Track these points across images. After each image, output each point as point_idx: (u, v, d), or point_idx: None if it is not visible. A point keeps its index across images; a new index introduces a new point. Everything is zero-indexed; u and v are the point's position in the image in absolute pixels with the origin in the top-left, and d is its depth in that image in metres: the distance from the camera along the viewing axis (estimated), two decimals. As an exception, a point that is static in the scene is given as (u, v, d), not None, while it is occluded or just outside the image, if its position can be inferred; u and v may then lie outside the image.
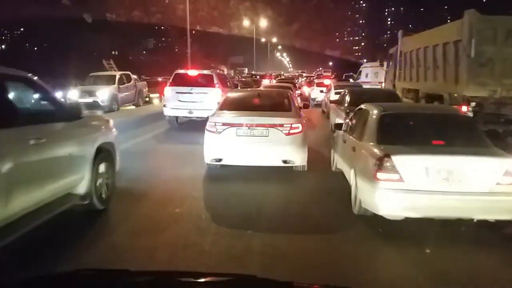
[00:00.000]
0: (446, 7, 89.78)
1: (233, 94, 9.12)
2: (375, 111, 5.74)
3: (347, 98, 11.35)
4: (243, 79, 27.50)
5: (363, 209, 5.09)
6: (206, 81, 13.60)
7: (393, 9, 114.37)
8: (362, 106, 6.49)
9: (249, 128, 7.12)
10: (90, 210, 5.21)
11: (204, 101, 13.07)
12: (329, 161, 8.06)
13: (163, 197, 6.19)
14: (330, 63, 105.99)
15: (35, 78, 4.71)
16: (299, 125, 7.24)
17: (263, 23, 67.46)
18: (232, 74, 46.83)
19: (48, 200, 4.39)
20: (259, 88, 17.38)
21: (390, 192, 4.59)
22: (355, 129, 6.25)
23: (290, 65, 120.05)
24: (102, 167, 5.47)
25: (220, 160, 7.22)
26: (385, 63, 20.15)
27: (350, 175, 5.70)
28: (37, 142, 4.12)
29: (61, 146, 4.67)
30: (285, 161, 7.10)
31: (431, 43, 12.73)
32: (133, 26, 53.74)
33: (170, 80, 14.10)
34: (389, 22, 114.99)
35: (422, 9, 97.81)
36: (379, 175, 4.63)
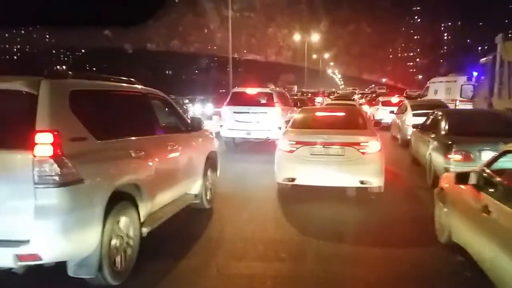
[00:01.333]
0: (506, 21, 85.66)
1: (304, 111, 8.94)
2: None
3: (444, 124, 8.08)
4: (295, 97, 26.18)
5: None
6: (265, 100, 12.86)
7: (449, 24, 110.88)
8: None
9: (324, 147, 6.89)
10: (198, 208, 6.25)
11: (263, 121, 12.36)
12: (421, 212, 6.22)
13: (251, 207, 6.85)
14: (384, 80, 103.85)
15: (166, 96, 5.94)
16: (377, 143, 6.95)
17: (315, 38, 66.33)
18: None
19: (175, 198, 5.37)
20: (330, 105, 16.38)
21: None
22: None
23: (342, 82, 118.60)
24: (209, 172, 6.45)
25: (293, 179, 6.96)
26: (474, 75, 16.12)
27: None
28: (172, 148, 5.24)
29: (187, 152, 5.70)
30: (362, 182, 6.75)
31: None
32: (188, 50, 54.80)
33: (228, 100, 13.43)
34: (445, 37, 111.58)
35: (481, 23, 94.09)
36: None
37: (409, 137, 11.74)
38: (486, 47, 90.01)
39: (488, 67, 14.55)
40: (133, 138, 4.49)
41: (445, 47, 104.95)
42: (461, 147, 7.10)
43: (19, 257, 3.28)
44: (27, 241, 3.28)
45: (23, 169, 3.32)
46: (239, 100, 12.98)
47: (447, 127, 8.04)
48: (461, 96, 19.38)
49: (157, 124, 5.20)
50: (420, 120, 10.83)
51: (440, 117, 8.64)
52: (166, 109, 5.88)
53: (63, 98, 3.67)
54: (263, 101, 12.81)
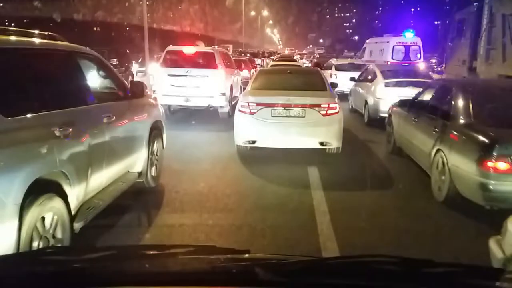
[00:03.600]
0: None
1: (263, 72, 8.75)
2: None
3: (465, 105, 5.22)
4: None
5: None
6: (206, 61, 11.03)
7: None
8: None
9: (284, 109, 6.86)
10: (142, 188, 5.28)
11: (204, 86, 10.66)
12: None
13: (201, 178, 6.17)
14: (321, 40, 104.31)
15: (99, 55, 4.83)
16: (336, 105, 6.98)
17: None
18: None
19: (114, 178, 4.52)
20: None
21: None
22: None
23: (280, 43, 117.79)
24: (154, 145, 5.59)
25: (253, 142, 6.93)
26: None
27: None
28: (109, 120, 4.28)
29: (127, 124, 4.83)
30: (321, 143, 6.85)
31: None
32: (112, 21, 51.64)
33: (161, 60, 11.49)
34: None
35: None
36: None
37: (381, 115, 9.65)
38: (418, 9, 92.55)
39: (468, 23, 11.96)
40: (57, 111, 3.49)
41: (380, 8, 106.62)
42: (508, 148, 4.40)
43: None
44: None
45: None
46: (175, 61, 11.11)
47: (471, 111, 5.08)
48: (392, 58, 19.00)
49: (88, 90, 4.21)
50: (395, 91, 9.25)
51: (452, 93, 5.65)
52: (100, 71, 4.83)
53: None
54: (204, 63, 11.02)
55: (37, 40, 3.72)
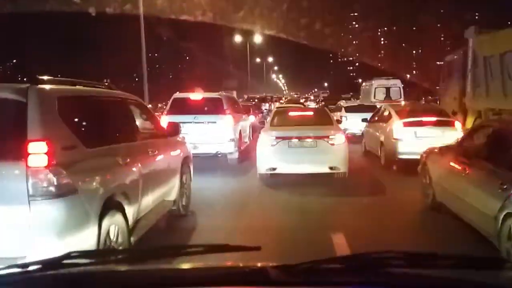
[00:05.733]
0: (439, 25, 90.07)
1: (280, 112, 10.50)
2: None
3: None
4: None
5: None
6: (214, 107, 10.80)
7: (385, 28, 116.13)
8: None
9: (299, 141, 8.32)
10: (175, 215, 6.05)
11: (212, 132, 10.35)
12: None
13: (228, 215, 6.65)
14: (325, 84, 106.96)
15: (142, 101, 5.77)
16: (342, 136, 8.48)
17: (258, 39, 62.33)
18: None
19: (156, 203, 5.22)
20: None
21: None
22: None
23: (285, 87, 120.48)
24: (184, 177, 6.36)
25: (274, 169, 8.27)
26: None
27: None
28: (153, 153, 5.18)
29: (166, 158, 5.70)
30: (331, 168, 8.14)
31: None
32: (127, 56, 53.02)
33: (168, 107, 11.24)
34: (382, 42, 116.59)
35: (414, 28, 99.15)
36: None
37: (400, 156, 9.35)
38: (420, 51, 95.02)
39: (456, 65, 13.33)
40: (119, 144, 4.41)
41: (383, 52, 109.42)
42: None
43: None
44: (23, 258, 3.10)
45: (16, 181, 3.18)
46: (182, 107, 10.74)
47: None
48: (374, 98, 20.56)
49: (137, 129, 5.17)
50: (413, 131, 9.44)
51: None
52: (143, 114, 5.82)
53: (51, 105, 3.54)
54: (211, 109, 10.78)
55: (101, 90, 4.70)
